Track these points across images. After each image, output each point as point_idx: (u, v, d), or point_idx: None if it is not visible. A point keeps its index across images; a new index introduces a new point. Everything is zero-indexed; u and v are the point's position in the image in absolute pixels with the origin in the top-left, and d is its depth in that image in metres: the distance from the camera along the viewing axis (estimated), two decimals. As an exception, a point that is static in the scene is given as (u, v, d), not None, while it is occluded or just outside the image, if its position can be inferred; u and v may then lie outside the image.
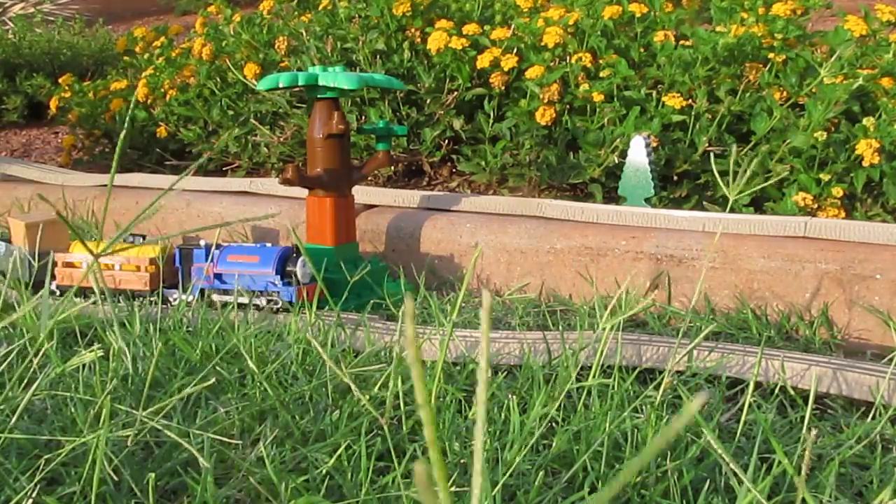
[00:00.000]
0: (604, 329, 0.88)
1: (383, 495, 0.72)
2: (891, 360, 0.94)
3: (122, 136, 0.63)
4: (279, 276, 1.22)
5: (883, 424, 0.84)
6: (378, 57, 1.83)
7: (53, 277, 1.33)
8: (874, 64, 1.54)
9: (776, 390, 0.94)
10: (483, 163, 1.68)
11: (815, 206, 1.40)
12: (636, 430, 0.79)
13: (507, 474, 0.73)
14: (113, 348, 0.94)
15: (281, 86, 1.28)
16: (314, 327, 1.11)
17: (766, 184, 1.02)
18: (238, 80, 1.99)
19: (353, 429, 0.82)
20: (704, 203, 1.52)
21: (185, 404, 0.89)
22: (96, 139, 2.31)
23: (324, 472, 0.75)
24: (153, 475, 0.69)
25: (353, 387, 0.78)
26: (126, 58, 2.45)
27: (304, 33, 1.94)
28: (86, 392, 0.87)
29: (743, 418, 0.82)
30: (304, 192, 1.36)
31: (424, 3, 1.83)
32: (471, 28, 1.75)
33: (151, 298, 1.26)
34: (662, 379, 0.87)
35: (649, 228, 1.31)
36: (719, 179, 0.89)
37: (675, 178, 1.57)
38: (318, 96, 1.31)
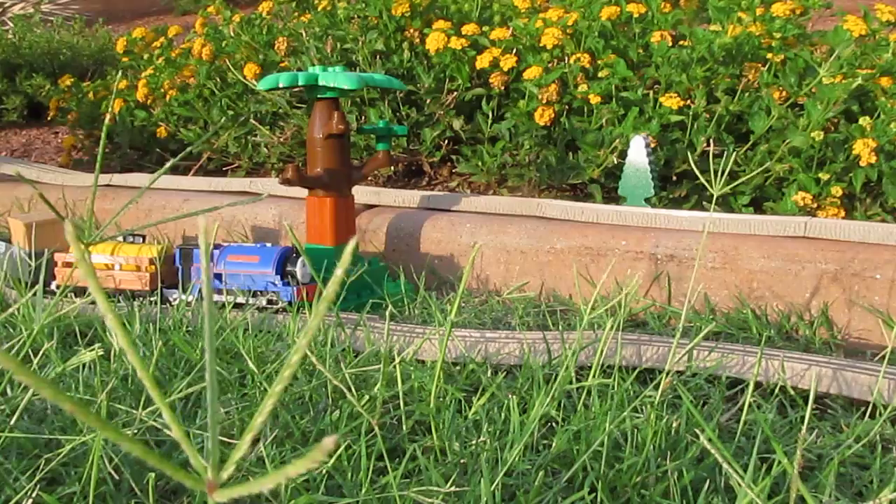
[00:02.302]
0: (595, 324, 0.88)
1: (383, 495, 0.72)
2: (883, 357, 0.94)
3: (105, 126, 0.63)
4: (279, 276, 1.22)
5: (882, 424, 0.84)
6: (377, 57, 1.83)
7: (53, 277, 1.33)
8: (873, 63, 1.54)
9: (776, 390, 0.94)
10: (480, 163, 1.68)
11: (815, 205, 1.40)
12: (636, 430, 0.79)
13: (507, 474, 0.73)
14: (113, 349, 0.94)
15: (281, 86, 1.28)
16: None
17: (753, 175, 1.02)
18: (238, 81, 1.99)
19: (353, 429, 0.82)
20: (704, 203, 1.52)
21: (185, 404, 0.89)
22: (96, 139, 2.31)
23: (324, 472, 0.75)
24: (153, 475, 0.69)
25: (345, 389, 0.78)
26: (125, 59, 2.45)
27: (304, 34, 1.94)
28: (86, 392, 0.87)
29: (743, 418, 0.82)
30: (304, 192, 1.36)
31: (423, 4, 1.83)
32: (470, 28, 1.75)
33: (151, 298, 1.26)
34: (662, 379, 0.87)
35: (649, 228, 1.31)
36: (701, 177, 0.89)
37: (675, 178, 1.58)
38: (318, 96, 1.31)
